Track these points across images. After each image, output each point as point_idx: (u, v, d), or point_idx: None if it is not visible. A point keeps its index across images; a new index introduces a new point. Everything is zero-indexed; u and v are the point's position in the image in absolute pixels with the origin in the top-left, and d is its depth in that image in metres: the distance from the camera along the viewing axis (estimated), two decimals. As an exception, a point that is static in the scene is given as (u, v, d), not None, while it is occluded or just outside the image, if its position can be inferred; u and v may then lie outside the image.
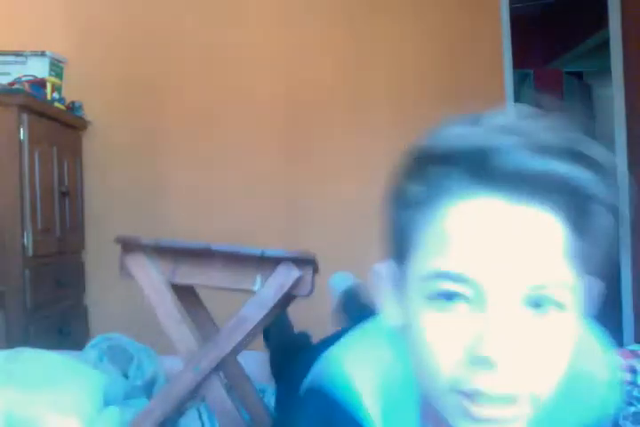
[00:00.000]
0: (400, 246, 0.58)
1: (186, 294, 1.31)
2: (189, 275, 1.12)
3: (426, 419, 0.61)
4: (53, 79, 2.49)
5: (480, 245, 0.51)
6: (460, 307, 0.52)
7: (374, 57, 2.88)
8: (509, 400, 0.52)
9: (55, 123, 2.48)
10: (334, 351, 0.67)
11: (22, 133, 2.19)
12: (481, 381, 0.51)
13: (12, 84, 2.31)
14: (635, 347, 1.40)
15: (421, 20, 2.92)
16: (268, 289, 1.08)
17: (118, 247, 1.29)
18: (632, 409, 1.01)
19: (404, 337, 0.58)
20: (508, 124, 0.53)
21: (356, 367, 0.64)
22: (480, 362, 0.51)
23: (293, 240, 2.76)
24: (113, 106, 2.87)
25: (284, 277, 1.08)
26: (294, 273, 1.08)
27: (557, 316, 0.52)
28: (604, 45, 3.28)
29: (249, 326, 1.09)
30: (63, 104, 2.57)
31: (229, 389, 1.37)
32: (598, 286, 0.58)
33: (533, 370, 0.52)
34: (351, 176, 2.82)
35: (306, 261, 1.11)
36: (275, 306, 1.10)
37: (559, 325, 0.53)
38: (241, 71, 2.89)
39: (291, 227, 2.77)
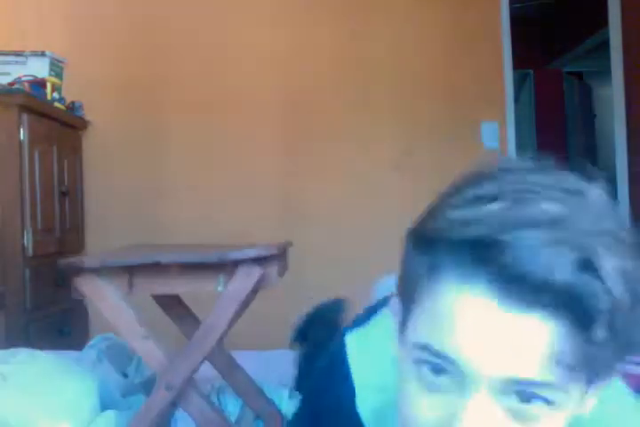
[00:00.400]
0: (405, 298, 0.57)
1: (169, 302, 1.30)
2: (147, 287, 1.08)
3: None
4: (53, 79, 2.49)
5: (469, 334, 0.50)
6: (441, 381, 0.52)
7: (374, 57, 2.88)
8: None
9: (55, 123, 2.48)
10: (349, 339, 0.70)
11: (22, 133, 2.19)
12: None
13: (11, 84, 2.30)
14: None
15: (421, 19, 2.92)
16: (229, 293, 1.06)
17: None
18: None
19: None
20: (526, 212, 0.49)
21: (360, 362, 0.67)
22: None
23: (293, 239, 2.75)
24: (113, 106, 2.86)
25: (246, 277, 1.06)
26: (256, 272, 1.06)
27: (543, 413, 0.51)
28: (604, 45, 3.28)
29: (217, 334, 1.07)
30: (63, 104, 2.57)
31: (219, 389, 1.37)
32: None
33: None
34: (351, 176, 2.82)
35: (269, 257, 1.09)
36: (241, 305, 1.08)
37: (543, 423, 0.51)
38: (241, 71, 2.89)
39: (291, 226, 2.77)
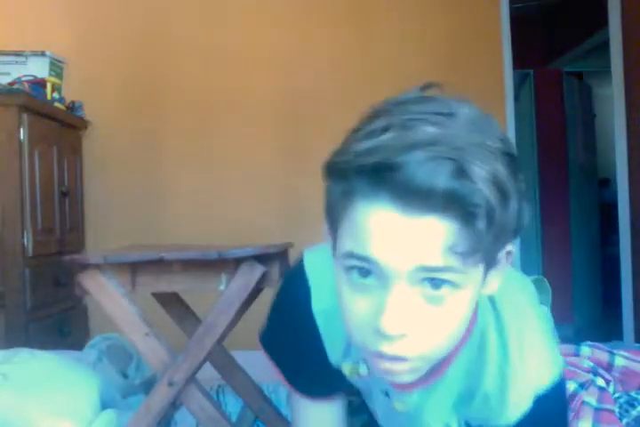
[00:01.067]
0: (328, 214, 0.70)
1: (169, 300, 1.30)
2: (150, 284, 1.09)
3: None
4: (53, 79, 2.49)
5: (380, 240, 0.63)
6: (369, 282, 0.65)
7: (374, 57, 2.88)
8: (404, 360, 0.66)
9: (55, 123, 2.48)
10: (306, 254, 0.88)
11: (22, 133, 2.19)
12: (380, 346, 0.65)
13: (12, 84, 2.31)
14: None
15: (422, 20, 2.92)
16: (231, 291, 1.06)
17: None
18: (634, 413, 1.01)
19: None
20: (410, 137, 0.61)
21: (315, 270, 0.85)
22: (379, 333, 0.64)
23: (293, 240, 2.75)
24: (113, 106, 2.87)
25: (248, 276, 1.06)
26: (258, 270, 1.06)
27: (450, 294, 0.65)
28: (604, 45, 3.28)
29: (218, 332, 1.07)
30: (63, 104, 2.57)
31: (219, 389, 1.37)
32: (508, 258, 0.71)
33: (424, 339, 0.66)
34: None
35: (270, 256, 1.09)
36: (243, 304, 1.08)
37: (451, 302, 0.65)
38: (241, 71, 2.89)
39: (291, 226, 2.77)
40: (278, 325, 0.90)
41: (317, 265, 0.86)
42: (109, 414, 1.19)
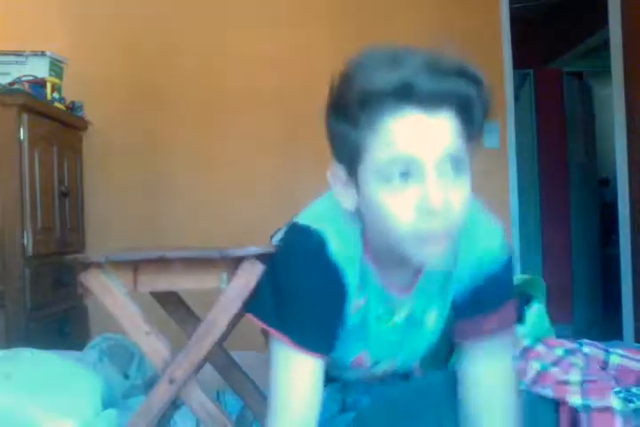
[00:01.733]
0: (351, 152, 0.85)
1: (170, 300, 1.30)
2: (152, 283, 1.09)
3: (366, 255, 0.95)
4: (53, 79, 2.49)
5: (413, 138, 0.81)
6: (409, 182, 0.82)
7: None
8: (445, 235, 0.84)
9: (55, 123, 2.48)
10: (301, 216, 1.03)
11: (22, 133, 2.19)
12: (430, 224, 0.82)
13: (12, 84, 2.31)
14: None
15: (421, 19, 2.92)
16: (232, 289, 1.07)
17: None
18: (632, 406, 1.01)
19: (356, 212, 0.91)
20: (417, 64, 0.81)
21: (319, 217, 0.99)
22: (427, 213, 0.81)
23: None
24: (113, 106, 2.87)
25: (249, 274, 1.06)
26: (258, 269, 1.06)
27: (465, 175, 0.84)
28: (604, 45, 3.28)
29: (218, 330, 1.08)
30: (63, 104, 2.57)
31: (219, 390, 1.37)
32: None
33: (454, 215, 0.83)
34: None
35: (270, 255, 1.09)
36: (243, 302, 1.08)
37: (465, 182, 0.84)
38: (241, 71, 2.89)
39: (291, 227, 2.77)
40: (289, 280, 0.95)
41: (317, 218, 0.99)
42: (110, 414, 1.20)
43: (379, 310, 1.01)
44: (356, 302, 0.98)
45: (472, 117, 0.83)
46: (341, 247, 0.93)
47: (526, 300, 1.19)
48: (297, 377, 0.96)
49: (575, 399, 0.95)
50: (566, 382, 0.98)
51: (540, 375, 0.99)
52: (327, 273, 0.93)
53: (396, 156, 0.81)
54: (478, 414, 0.98)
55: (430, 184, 0.81)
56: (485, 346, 0.99)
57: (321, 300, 0.93)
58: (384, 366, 1.13)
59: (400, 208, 0.82)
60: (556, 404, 0.97)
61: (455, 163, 0.83)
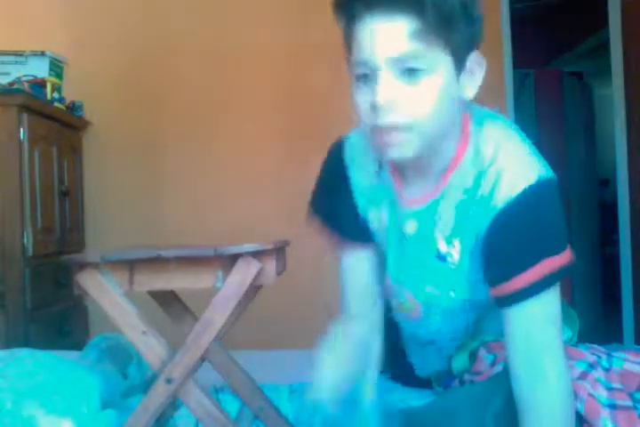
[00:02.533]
0: (346, 50, 0.98)
1: (167, 299, 1.30)
2: (148, 282, 1.09)
3: (390, 168, 1.08)
4: (53, 79, 2.49)
5: (371, 43, 0.90)
6: (367, 83, 0.91)
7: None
8: (396, 128, 0.91)
9: (55, 123, 2.48)
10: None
11: (22, 133, 2.19)
12: (380, 119, 0.90)
13: (12, 84, 2.31)
14: None
15: (421, 20, 2.91)
16: (228, 287, 1.07)
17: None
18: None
19: None
20: None
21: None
22: (376, 108, 0.90)
23: (293, 240, 2.75)
24: (113, 106, 2.87)
25: (245, 271, 1.06)
26: (254, 267, 1.06)
27: (424, 76, 0.90)
28: (604, 45, 3.28)
29: (215, 328, 1.08)
30: (63, 104, 2.57)
31: (219, 389, 1.37)
32: (477, 68, 0.97)
33: (408, 111, 0.90)
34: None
35: (266, 252, 1.09)
36: (240, 301, 1.08)
37: (425, 84, 0.90)
38: (241, 71, 2.89)
39: (290, 226, 2.76)
40: (321, 186, 1.23)
41: (353, 130, 1.15)
42: (109, 414, 1.20)
43: (394, 223, 1.10)
44: (376, 216, 1.12)
45: (428, 20, 0.87)
46: (350, 151, 1.14)
47: None
48: (357, 273, 1.20)
49: (606, 422, 0.93)
50: (597, 399, 0.95)
51: (573, 385, 0.95)
52: (337, 167, 1.15)
53: (359, 59, 0.92)
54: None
55: (379, 83, 0.89)
56: (518, 312, 0.93)
57: (333, 187, 1.16)
58: (409, 298, 1.14)
59: (361, 105, 0.93)
60: (580, 419, 0.94)
61: (411, 64, 0.89)
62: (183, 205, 2.88)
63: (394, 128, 0.90)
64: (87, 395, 1.18)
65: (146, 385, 1.34)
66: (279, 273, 1.15)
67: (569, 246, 0.96)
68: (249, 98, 2.88)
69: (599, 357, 1.04)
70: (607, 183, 4.96)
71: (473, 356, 1.13)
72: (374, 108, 0.90)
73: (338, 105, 2.85)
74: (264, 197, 2.87)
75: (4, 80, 2.33)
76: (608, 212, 3.91)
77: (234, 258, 1.07)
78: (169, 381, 1.07)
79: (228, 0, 2.92)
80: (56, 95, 2.50)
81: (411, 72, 0.89)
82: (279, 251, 1.16)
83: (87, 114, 2.77)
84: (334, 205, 1.17)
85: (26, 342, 2.06)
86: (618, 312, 3.12)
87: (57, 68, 2.55)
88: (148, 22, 2.89)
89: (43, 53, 2.47)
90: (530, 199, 0.93)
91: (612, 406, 0.95)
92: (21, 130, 2.18)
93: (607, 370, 1.01)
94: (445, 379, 1.18)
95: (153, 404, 1.08)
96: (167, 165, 2.88)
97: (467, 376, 1.12)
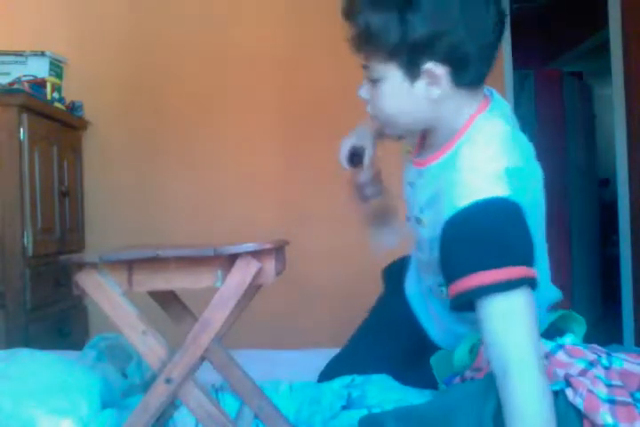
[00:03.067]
0: None
1: (167, 299, 1.30)
2: (147, 282, 1.08)
3: None
4: (53, 79, 2.49)
5: None
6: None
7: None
8: (374, 116, 1.15)
9: (55, 123, 2.48)
10: None
11: (22, 133, 2.19)
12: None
13: (12, 84, 2.31)
14: None
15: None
16: (227, 287, 1.06)
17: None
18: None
19: None
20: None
21: None
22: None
23: (293, 240, 2.75)
24: (113, 106, 2.87)
25: (244, 271, 1.06)
26: (253, 266, 1.06)
27: (379, 84, 1.08)
28: (604, 45, 3.28)
29: (214, 328, 1.07)
30: (63, 104, 2.58)
31: (219, 388, 1.37)
32: (431, 76, 1.04)
33: (375, 108, 1.12)
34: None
35: (265, 251, 1.09)
36: (240, 300, 1.08)
37: (379, 88, 1.08)
38: (241, 71, 2.89)
39: (290, 226, 2.77)
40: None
41: None
42: (109, 414, 1.20)
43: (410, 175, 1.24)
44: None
45: (362, 35, 1.09)
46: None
47: (559, 333, 1.16)
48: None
49: (606, 417, 0.93)
50: (597, 395, 0.96)
51: (572, 381, 0.96)
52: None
53: None
54: None
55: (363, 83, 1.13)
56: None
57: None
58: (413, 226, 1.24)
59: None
60: (580, 415, 0.94)
61: (366, 73, 1.10)
62: (183, 204, 2.88)
63: (370, 114, 1.14)
64: (87, 395, 1.18)
65: (145, 385, 1.34)
66: (279, 273, 1.14)
67: (520, 264, 0.96)
68: (249, 97, 2.88)
69: (599, 356, 1.04)
70: (607, 183, 4.96)
71: (475, 351, 1.14)
72: None
73: (338, 105, 2.86)
74: (264, 197, 2.87)
75: (4, 80, 2.33)
76: (608, 212, 3.91)
77: (233, 258, 1.06)
78: (168, 381, 1.07)
79: (228, 0, 2.92)
80: (56, 95, 2.50)
81: (371, 78, 1.09)
82: (279, 250, 1.16)
83: (87, 114, 2.77)
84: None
85: (26, 342, 2.06)
86: (618, 312, 3.12)
87: (57, 68, 2.55)
88: (148, 22, 2.89)
89: (43, 53, 2.47)
90: (471, 216, 0.97)
91: (612, 402, 0.95)
92: (21, 130, 2.18)
93: (607, 368, 1.01)
94: (449, 376, 1.18)
95: (152, 404, 1.07)
96: (167, 164, 2.88)
97: (468, 373, 1.12)
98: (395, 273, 1.50)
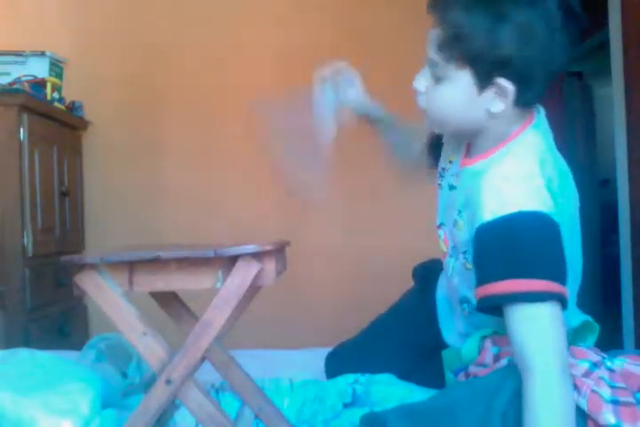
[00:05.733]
0: None
1: (168, 300, 1.30)
2: (147, 283, 1.08)
3: None
4: (53, 79, 2.49)
5: (427, 41, 1.10)
6: None
7: (375, 56, 2.88)
8: (424, 110, 1.15)
9: (55, 123, 2.48)
10: None
11: (22, 133, 2.19)
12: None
13: (12, 84, 2.31)
14: None
15: (421, 20, 2.91)
16: (227, 288, 1.06)
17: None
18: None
19: None
20: None
21: None
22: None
23: (293, 240, 2.75)
24: (113, 106, 2.87)
25: (244, 272, 1.06)
26: (254, 267, 1.06)
27: (442, 84, 1.08)
28: (604, 45, 3.27)
29: (214, 330, 1.07)
30: (63, 104, 2.58)
31: (219, 389, 1.37)
32: (503, 92, 1.05)
33: (428, 100, 1.13)
34: (351, 176, 2.82)
35: (266, 253, 1.09)
36: (240, 301, 1.08)
37: (439, 89, 1.09)
38: (241, 71, 2.89)
39: (291, 226, 2.76)
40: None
41: None
42: (109, 414, 1.19)
43: (450, 175, 1.24)
44: (444, 163, 1.29)
45: (448, 36, 1.03)
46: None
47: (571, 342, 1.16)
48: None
49: (609, 417, 0.93)
50: (600, 396, 0.96)
51: (576, 381, 0.97)
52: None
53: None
54: None
55: (419, 73, 1.13)
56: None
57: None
58: (443, 239, 1.25)
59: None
60: (584, 415, 0.95)
61: (433, 69, 1.08)
62: (183, 205, 2.88)
63: (421, 108, 1.14)
64: (87, 395, 1.18)
65: (145, 385, 1.34)
66: (279, 273, 1.14)
67: (553, 279, 0.99)
68: (249, 97, 2.88)
69: (603, 357, 1.05)
70: (607, 183, 4.96)
71: (481, 345, 1.14)
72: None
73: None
74: (265, 197, 2.87)
75: (4, 80, 2.33)
76: (608, 212, 3.91)
77: (234, 259, 1.06)
78: (169, 382, 1.07)
79: (228, 0, 2.92)
80: (56, 95, 2.50)
81: (434, 75, 1.08)
82: (279, 251, 1.16)
83: (87, 114, 2.77)
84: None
85: (26, 342, 2.06)
86: (618, 312, 3.12)
87: (57, 68, 2.55)
88: (148, 22, 2.89)
89: (43, 53, 2.47)
90: (511, 224, 1.00)
91: (615, 402, 0.95)
92: (21, 130, 2.18)
93: (611, 370, 1.01)
94: (457, 368, 1.19)
95: (153, 405, 1.07)
96: (167, 164, 2.88)
97: (472, 369, 1.12)
98: (427, 273, 1.50)
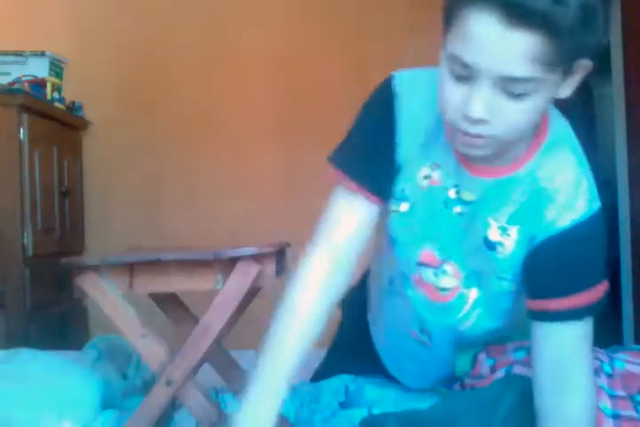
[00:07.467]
0: (445, 21, 0.84)
1: (168, 302, 1.30)
2: (147, 285, 1.09)
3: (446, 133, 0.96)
4: (53, 79, 2.49)
5: (481, 46, 0.78)
6: (462, 83, 0.83)
7: (375, 56, 2.88)
8: (481, 137, 0.85)
9: (55, 123, 2.48)
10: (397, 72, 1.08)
11: (22, 133, 2.19)
12: (469, 128, 0.84)
13: (11, 84, 2.31)
14: None
15: (420, 20, 2.91)
16: (227, 290, 1.07)
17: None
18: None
19: None
20: None
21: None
22: (466, 118, 0.83)
23: (294, 240, 2.75)
24: (113, 106, 2.87)
25: (244, 274, 1.06)
26: (254, 269, 1.06)
27: (530, 98, 0.82)
28: (604, 45, 3.27)
29: (214, 331, 1.07)
30: (63, 104, 2.57)
31: (219, 390, 1.37)
32: (584, 63, 0.88)
33: (498, 127, 0.84)
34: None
35: (266, 254, 1.09)
36: (240, 303, 1.08)
37: (530, 102, 0.82)
38: (241, 71, 2.89)
39: (292, 227, 2.76)
40: (358, 123, 1.07)
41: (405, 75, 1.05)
42: (109, 414, 1.20)
43: (448, 190, 1.00)
44: (425, 172, 1.02)
45: (558, 46, 0.76)
46: (406, 77, 1.04)
47: None
48: (346, 213, 1.03)
49: None
50: (601, 410, 0.96)
51: None
52: (381, 98, 1.03)
53: (460, 55, 0.81)
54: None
55: (476, 94, 0.82)
56: (551, 331, 0.94)
57: (371, 125, 1.03)
58: (450, 271, 1.05)
59: (447, 101, 0.86)
60: None
61: (517, 85, 0.80)
62: (183, 205, 2.87)
63: (478, 136, 0.85)
64: (87, 395, 1.18)
65: (145, 386, 1.34)
66: (280, 274, 1.14)
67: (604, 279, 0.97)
68: (248, 97, 2.88)
69: (602, 361, 1.04)
70: (607, 184, 4.96)
71: (474, 358, 1.13)
72: (460, 114, 0.84)
73: (338, 105, 2.85)
74: (265, 197, 2.87)
75: (4, 80, 2.33)
76: (608, 212, 3.91)
77: (233, 261, 1.06)
78: (169, 383, 1.07)
79: (228, 1, 2.92)
80: (56, 95, 2.50)
81: (515, 93, 0.81)
82: (280, 253, 1.16)
83: (87, 114, 2.77)
84: (365, 146, 1.04)
85: (26, 342, 2.05)
86: (618, 312, 3.12)
87: (57, 68, 2.55)
88: (148, 22, 2.89)
89: (43, 53, 2.47)
90: (583, 232, 0.95)
91: (616, 417, 0.95)
92: (21, 130, 2.18)
93: (610, 376, 1.01)
94: (447, 382, 1.18)
95: (153, 406, 1.08)
96: (167, 165, 2.88)
97: (467, 380, 1.11)
98: (355, 305, 1.36)
